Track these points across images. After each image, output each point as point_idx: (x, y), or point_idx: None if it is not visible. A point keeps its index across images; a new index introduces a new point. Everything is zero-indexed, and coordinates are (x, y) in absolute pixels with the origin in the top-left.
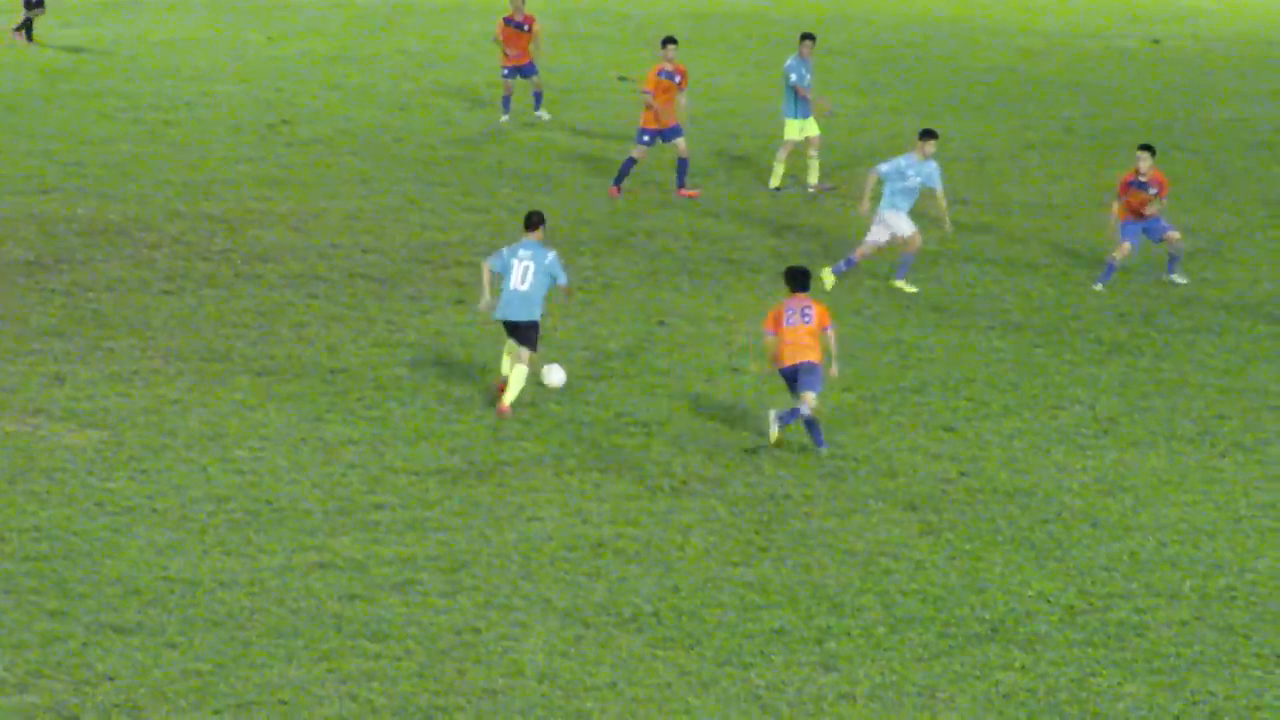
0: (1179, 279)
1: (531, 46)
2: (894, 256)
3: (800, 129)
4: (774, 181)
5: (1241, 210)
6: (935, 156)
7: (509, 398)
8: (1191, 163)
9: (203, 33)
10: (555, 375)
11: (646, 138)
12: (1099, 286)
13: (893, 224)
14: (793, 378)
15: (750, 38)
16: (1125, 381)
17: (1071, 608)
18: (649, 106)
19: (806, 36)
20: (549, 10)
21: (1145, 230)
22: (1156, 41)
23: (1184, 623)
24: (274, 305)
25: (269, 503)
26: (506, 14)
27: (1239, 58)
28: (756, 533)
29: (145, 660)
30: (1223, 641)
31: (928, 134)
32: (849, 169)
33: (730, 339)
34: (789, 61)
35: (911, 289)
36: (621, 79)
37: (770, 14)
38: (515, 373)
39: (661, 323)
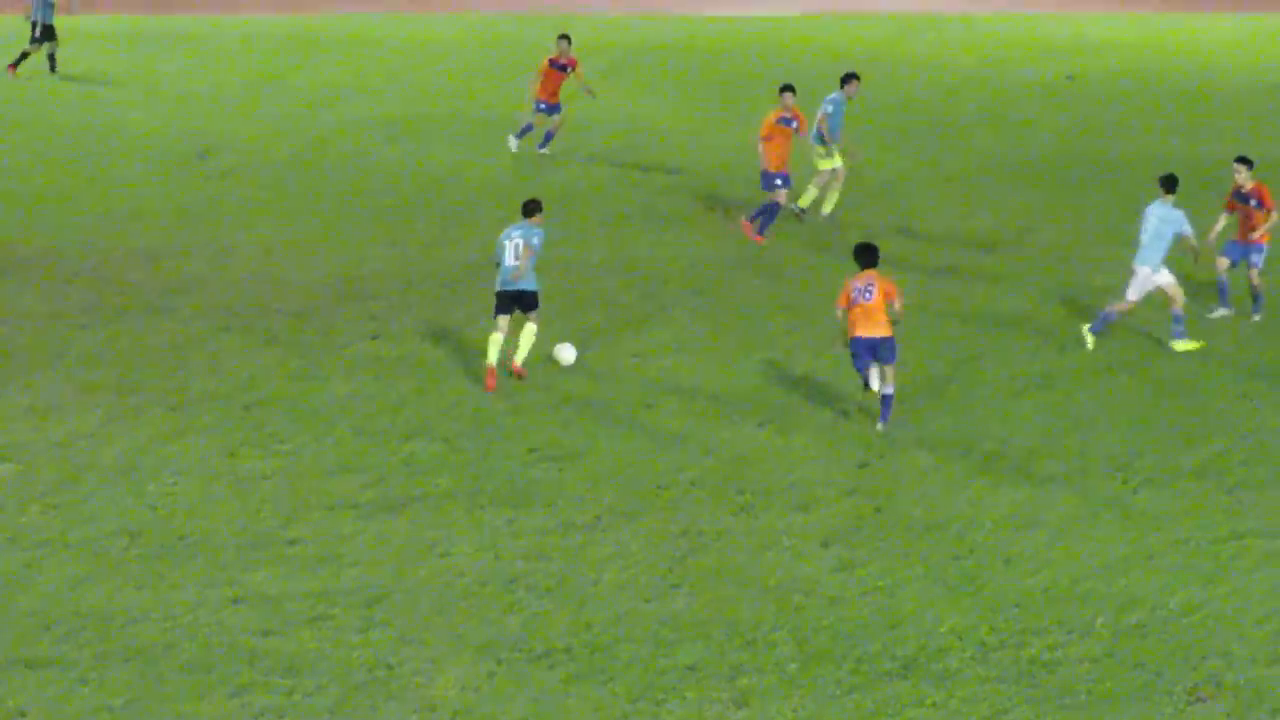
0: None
1: (565, 86)
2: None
3: (831, 160)
4: (802, 202)
5: None
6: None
7: (520, 357)
8: (1103, 197)
9: (120, 63)
10: (567, 353)
11: (779, 181)
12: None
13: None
14: (872, 349)
15: (672, 71)
16: (1039, 416)
17: (984, 644)
18: (770, 151)
19: (852, 76)
20: (475, 44)
21: (1246, 252)
22: (1071, 77)
23: (1096, 659)
24: (189, 338)
25: (183, 537)
26: (552, 55)
27: (1150, 93)
28: (670, 568)
29: (58, 695)
30: (1135, 678)
31: (1170, 181)
32: (754, 205)
33: (644, 372)
34: (830, 96)
35: (1187, 345)
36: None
37: (692, 45)
38: (525, 332)
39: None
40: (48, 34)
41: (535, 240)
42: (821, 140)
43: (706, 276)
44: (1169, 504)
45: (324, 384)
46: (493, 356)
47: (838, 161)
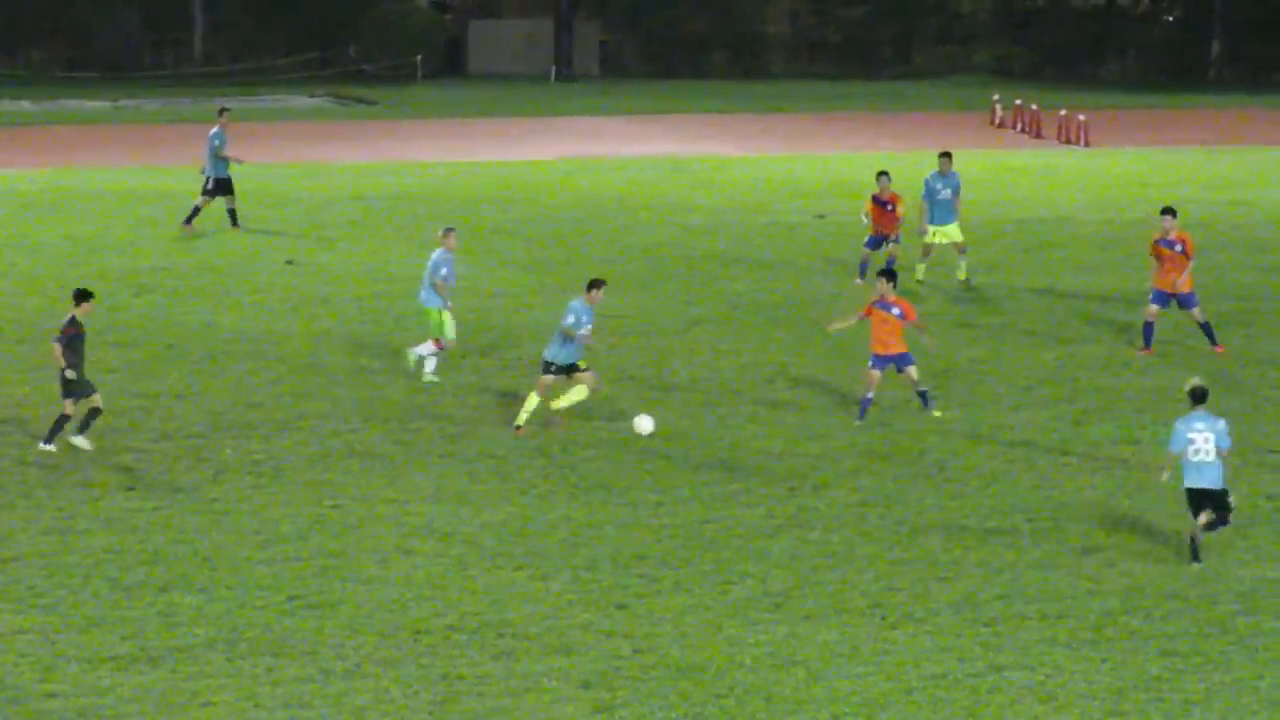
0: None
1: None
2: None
3: (934, 234)
4: (918, 275)
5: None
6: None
7: (563, 404)
8: (860, 330)
9: None
10: (646, 424)
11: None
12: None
13: None
14: (888, 361)
15: (417, 218)
16: (795, 554)
17: None
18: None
19: (945, 155)
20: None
21: (1179, 301)
22: (821, 216)
23: None
24: None
25: None
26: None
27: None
28: (430, 714)
29: None
30: None
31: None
32: (515, 348)
33: (401, 518)
34: (928, 176)
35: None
36: (289, 262)
37: (433, 195)
38: (577, 389)
39: None
40: (221, 187)
41: (566, 319)
42: (933, 220)
43: (461, 423)
44: (926, 639)
45: (80, 537)
46: (529, 407)
47: (957, 235)
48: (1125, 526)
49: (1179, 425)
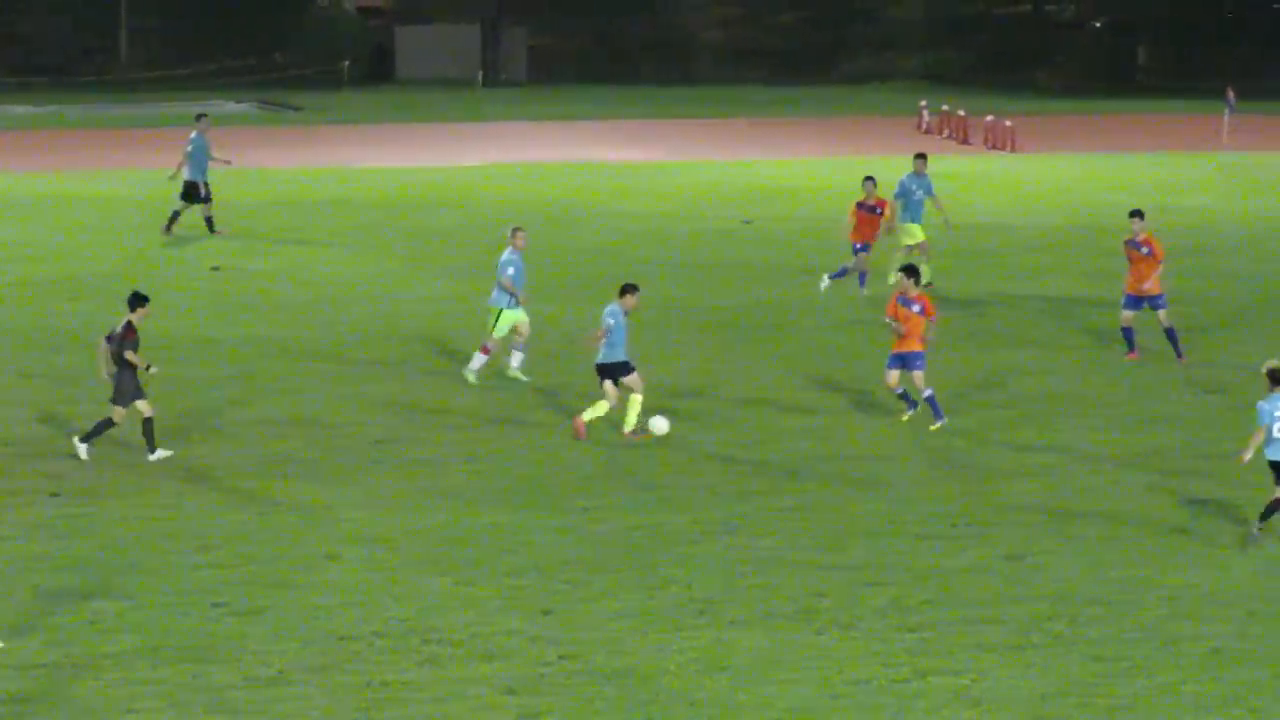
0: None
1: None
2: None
3: (900, 233)
4: (924, 279)
5: (838, 385)
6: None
7: (631, 423)
8: (785, 337)
9: None
10: (661, 424)
11: (861, 247)
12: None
13: None
14: (903, 360)
15: (345, 224)
16: (723, 561)
17: None
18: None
19: (919, 156)
20: (147, 204)
21: (1149, 303)
22: (748, 222)
23: None
24: None
25: None
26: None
27: (830, 236)
28: None
29: None
30: None
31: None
32: (444, 355)
33: (329, 524)
34: (903, 177)
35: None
36: (215, 269)
37: (362, 200)
38: (632, 400)
39: None
40: (191, 193)
41: (607, 318)
42: (909, 219)
43: (389, 429)
44: (853, 645)
45: (4, 543)
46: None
47: (920, 236)
48: (1052, 532)
49: (1263, 405)
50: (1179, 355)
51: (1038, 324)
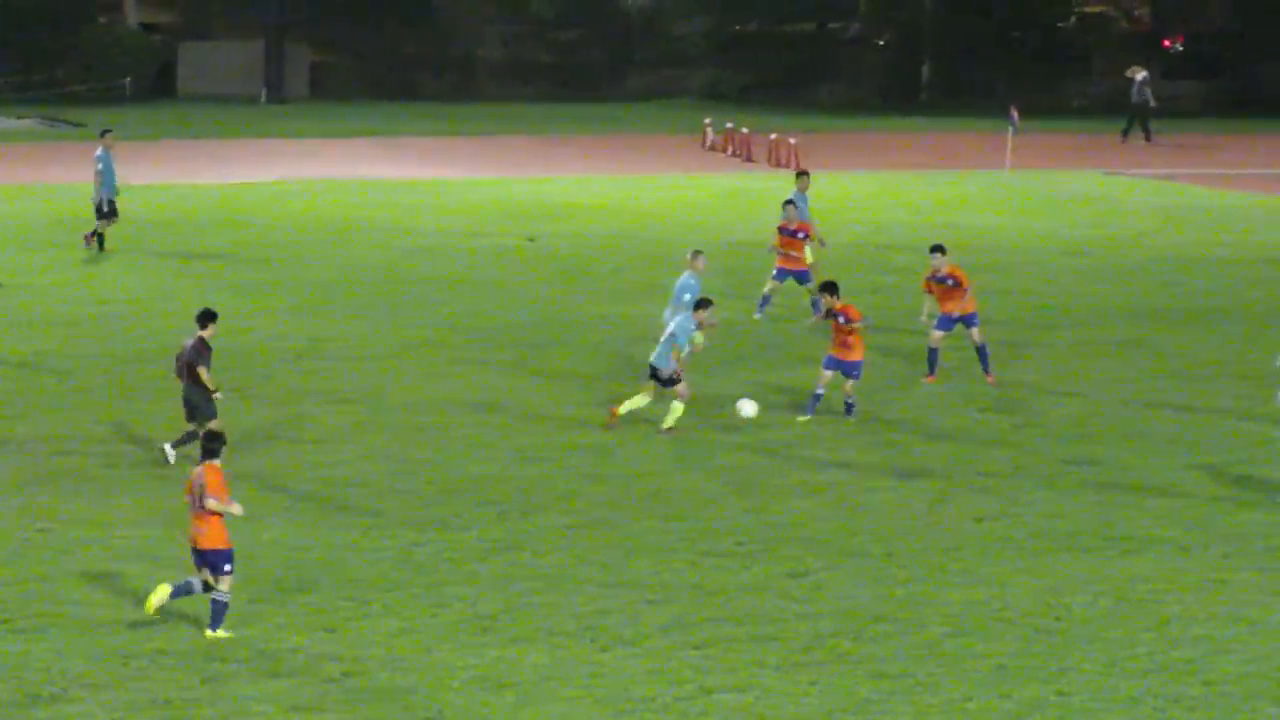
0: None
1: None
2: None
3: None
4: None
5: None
6: None
7: (669, 422)
8: (576, 353)
9: None
10: (749, 408)
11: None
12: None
13: None
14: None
15: (128, 239)
16: (506, 578)
17: None
18: (778, 250)
19: (802, 173)
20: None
21: (963, 321)
22: (531, 239)
23: None
24: None
25: None
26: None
27: (616, 253)
28: None
29: None
30: None
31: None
32: (231, 370)
33: (109, 541)
34: (793, 195)
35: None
36: None
37: (146, 217)
38: (674, 406)
39: None
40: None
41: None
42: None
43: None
44: (636, 662)
45: None
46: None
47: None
48: (836, 550)
49: None
50: (988, 373)
51: (821, 344)
